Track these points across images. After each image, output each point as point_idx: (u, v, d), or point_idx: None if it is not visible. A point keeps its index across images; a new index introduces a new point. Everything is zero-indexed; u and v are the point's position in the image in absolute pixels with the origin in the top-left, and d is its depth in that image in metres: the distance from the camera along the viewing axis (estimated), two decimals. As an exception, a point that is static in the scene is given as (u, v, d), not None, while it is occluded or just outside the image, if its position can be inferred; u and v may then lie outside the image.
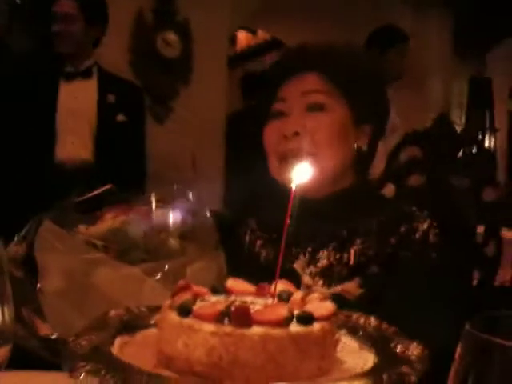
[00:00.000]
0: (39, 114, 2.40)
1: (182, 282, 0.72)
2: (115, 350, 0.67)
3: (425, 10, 3.80)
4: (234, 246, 1.17)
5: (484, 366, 0.28)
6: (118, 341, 0.70)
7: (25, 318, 0.84)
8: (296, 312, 0.65)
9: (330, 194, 1.07)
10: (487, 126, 4.16)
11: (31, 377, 0.80)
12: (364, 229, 1.03)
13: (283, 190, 1.06)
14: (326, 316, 0.67)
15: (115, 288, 0.88)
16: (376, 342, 0.71)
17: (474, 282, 1.23)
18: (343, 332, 0.76)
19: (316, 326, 0.64)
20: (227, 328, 0.60)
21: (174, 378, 0.60)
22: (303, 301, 0.69)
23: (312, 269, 0.71)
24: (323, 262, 1.01)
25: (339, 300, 0.72)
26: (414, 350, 0.66)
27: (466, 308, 1.04)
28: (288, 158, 1.06)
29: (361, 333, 0.74)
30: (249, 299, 0.70)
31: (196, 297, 0.69)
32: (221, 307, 0.63)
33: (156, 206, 0.98)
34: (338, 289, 0.71)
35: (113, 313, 0.78)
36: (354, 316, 0.78)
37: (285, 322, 0.62)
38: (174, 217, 0.97)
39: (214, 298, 0.70)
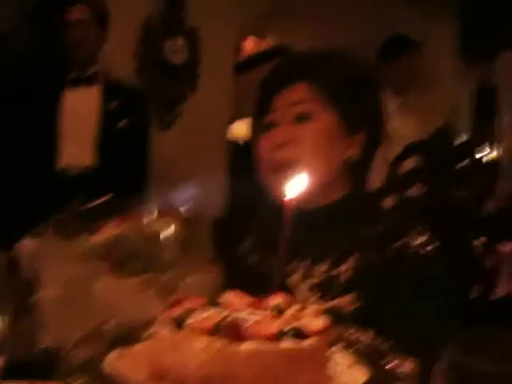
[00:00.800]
0: (42, 121, 2.41)
1: (176, 296, 0.73)
2: (109, 362, 0.67)
3: (431, 16, 3.80)
4: (231, 256, 1.17)
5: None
6: (112, 353, 0.70)
7: (25, 330, 0.85)
8: (288, 327, 0.65)
9: (322, 206, 1.07)
10: (494, 135, 4.14)
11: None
12: (360, 242, 1.03)
13: (276, 202, 1.07)
14: (319, 331, 0.67)
15: (113, 298, 0.88)
16: (369, 357, 0.71)
17: (473, 295, 1.23)
18: (337, 347, 0.76)
19: (308, 341, 0.64)
20: (219, 343, 0.61)
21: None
22: (297, 315, 0.70)
23: (307, 283, 0.72)
24: (319, 276, 1.01)
25: (334, 314, 0.72)
26: (407, 366, 0.66)
27: (463, 321, 1.03)
28: (277, 168, 1.06)
29: (355, 348, 0.74)
30: (244, 312, 0.70)
31: (191, 310, 0.69)
32: (213, 322, 0.63)
33: (154, 217, 0.98)
34: (333, 303, 0.71)
35: (109, 324, 0.79)
36: (349, 331, 0.78)
37: (277, 337, 0.63)
38: (171, 228, 0.97)
39: (209, 312, 0.70)
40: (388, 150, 2.37)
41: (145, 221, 0.99)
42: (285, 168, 1.04)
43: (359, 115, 1.09)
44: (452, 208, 1.30)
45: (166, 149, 3.07)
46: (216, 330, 0.62)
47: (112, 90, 2.55)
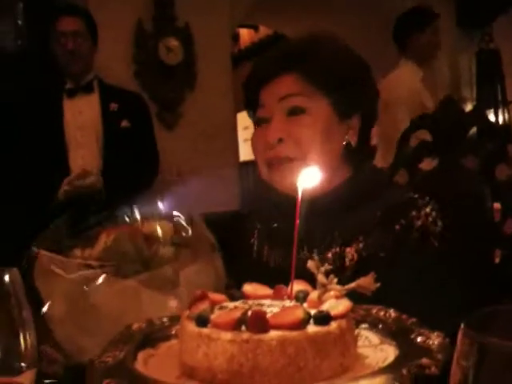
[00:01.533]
0: (47, 134, 2.43)
1: (198, 292, 0.73)
2: (139, 364, 0.68)
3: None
4: (242, 248, 1.17)
5: (481, 364, 0.28)
6: (141, 355, 0.71)
7: (44, 355, 0.86)
8: (312, 312, 0.65)
9: (327, 191, 1.05)
10: (499, 99, 4.09)
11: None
12: (366, 221, 1.02)
13: (279, 194, 1.06)
14: (343, 313, 0.67)
15: (114, 303, 0.89)
16: (396, 334, 0.71)
17: (496, 260, 1.23)
18: (363, 327, 0.76)
19: (333, 325, 0.64)
20: (245, 335, 0.61)
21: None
22: (320, 300, 0.70)
23: (323, 268, 0.71)
24: (333, 261, 1.01)
25: (356, 296, 0.72)
26: (435, 339, 0.66)
27: (489, 288, 1.03)
28: (274, 164, 1.05)
29: (381, 326, 0.74)
30: (266, 303, 0.71)
31: (213, 305, 0.70)
32: (237, 314, 0.63)
33: (144, 218, 0.99)
34: (353, 285, 0.70)
35: (135, 326, 0.79)
36: (374, 310, 0.78)
37: (302, 324, 0.63)
38: (163, 226, 0.97)
39: (231, 305, 0.70)
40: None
41: (137, 223, 0.99)
42: (282, 163, 1.04)
43: (352, 100, 1.07)
44: (464, 177, 1.29)
45: (170, 149, 3.07)
46: (241, 323, 0.62)
47: (110, 95, 2.57)
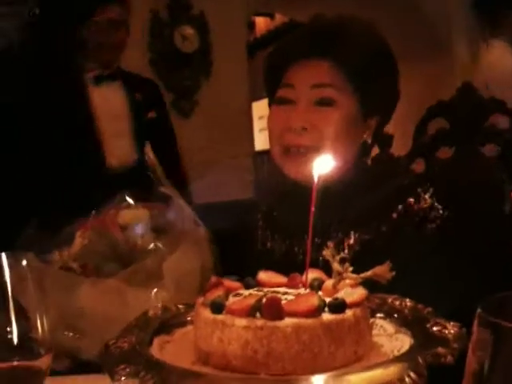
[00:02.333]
0: (77, 124, 2.39)
1: (213, 279, 0.73)
2: (154, 350, 0.68)
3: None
4: (247, 238, 1.17)
5: (499, 346, 0.28)
6: (156, 340, 0.71)
7: None
8: (327, 300, 0.65)
9: (335, 180, 1.05)
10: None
11: (74, 381, 0.83)
12: (368, 210, 1.02)
13: (288, 181, 1.06)
14: (358, 301, 0.66)
15: (100, 304, 0.89)
16: (412, 323, 0.70)
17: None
18: (379, 316, 0.75)
19: (348, 313, 0.64)
20: (259, 322, 0.61)
21: (211, 374, 0.61)
22: (335, 288, 0.70)
23: (338, 256, 0.71)
24: (347, 249, 1.01)
25: (372, 285, 0.71)
26: (451, 329, 0.66)
27: (504, 278, 1.01)
28: (292, 151, 1.04)
29: (396, 315, 0.74)
30: (281, 291, 0.71)
31: (228, 292, 0.70)
32: (252, 301, 0.63)
33: (126, 209, 0.98)
34: (369, 273, 0.70)
35: (151, 313, 0.80)
36: (389, 299, 0.77)
37: (317, 312, 0.62)
38: (139, 214, 0.97)
39: (246, 292, 0.71)
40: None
41: (109, 220, 0.98)
42: (301, 152, 1.03)
43: (378, 99, 1.06)
44: (483, 166, 1.27)
45: (186, 137, 3.08)
46: (255, 310, 0.62)
47: (132, 83, 2.54)
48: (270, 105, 1.11)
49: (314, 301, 0.63)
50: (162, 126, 2.56)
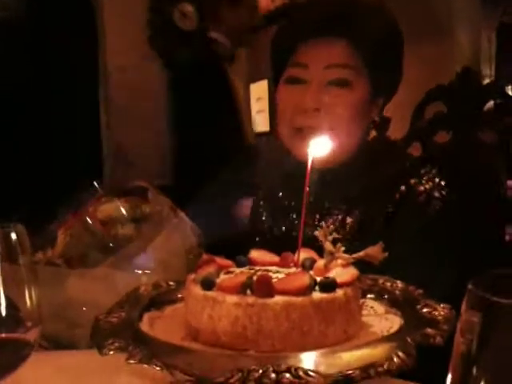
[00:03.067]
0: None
1: (205, 256, 0.73)
2: (144, 325, 0.68)
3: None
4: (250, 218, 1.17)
5: (488, 325, 0.28)
6: (146, 316, 0.71)
7: None
8: (318, 279, 0.65)
9: (336, 161, 1.04)
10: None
11: (62, 356, 0.83)
12: (368, 190, 1.01)
13: (294, 161, 1.05)
14: (349, 281, 0.66)
15: (89, 293, 0.89)
16: (402, 304, 0.70)
17: (507, 238, 1.21)
18: (370, 296, 0.76)
19: (339, 292, 0.64)
20: (250, 299, 0.61)
21: (200, 350, 0.61)
22: (326, 268, 0.69)
23: (331, 236, 0.71)
24: (340, 229, 1.01)
25: (363, 265, 0.71)
26: (441, 311, 0.66)
27: (497, 261, 1.02)
28: (304, 132, 1.01)
29: (387, 296, 0.74)
30: (272, 269, 0.70)
31: (219, 270, 0.69)
32: (243, 278, 0.63)
33: (104, 201, 0.98)
34: (361, 254, 0.70)
35: (142, 289, 0.80)
36: (380, 280, 0.78)
37: (307, 290, 0.62)
38: (117, 206, 0.97)
39: (237, 270, 0.70)
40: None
41: (88, 213, 0.98)
42: (313, 132, 1.00)
43: (386, 80, 1.05)
44: (480, 151, 1.26)
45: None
46: (246, 287, 0.62)
47: None
48: (276, 84, 1.08)
49: (304, 279, 0.63)
50: None
